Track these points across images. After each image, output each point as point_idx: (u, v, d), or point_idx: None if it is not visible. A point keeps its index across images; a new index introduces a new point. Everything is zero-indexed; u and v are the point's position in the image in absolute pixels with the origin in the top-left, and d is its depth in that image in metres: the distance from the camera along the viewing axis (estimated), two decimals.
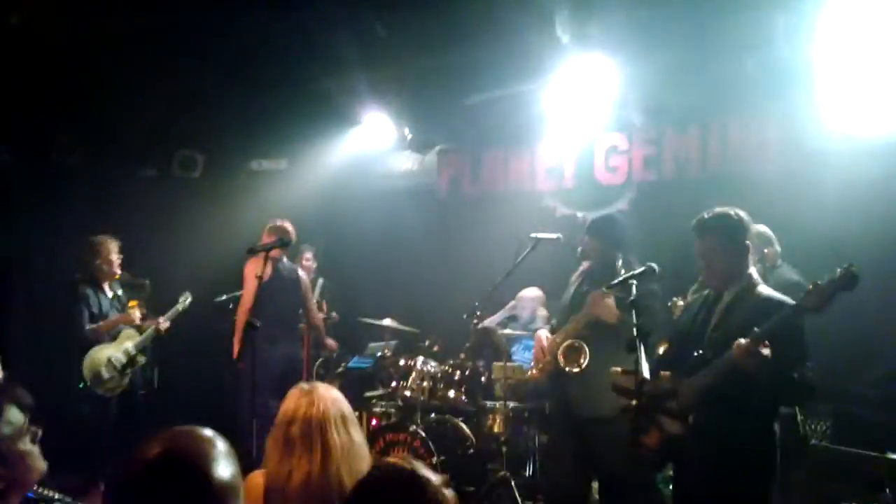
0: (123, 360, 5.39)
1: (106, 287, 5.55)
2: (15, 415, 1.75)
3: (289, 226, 5.38)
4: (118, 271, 5.58)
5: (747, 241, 2.97)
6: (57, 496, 3.50)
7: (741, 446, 2.76)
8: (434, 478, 1.42)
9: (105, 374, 5.33)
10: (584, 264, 4.27)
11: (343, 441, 2.39)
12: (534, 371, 4.30)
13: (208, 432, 1.26)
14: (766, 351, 2.60)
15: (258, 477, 2.41)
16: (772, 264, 4.13)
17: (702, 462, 2.80)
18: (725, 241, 2.95)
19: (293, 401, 2.43)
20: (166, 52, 5.52)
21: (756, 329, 2.63)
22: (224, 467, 1.19)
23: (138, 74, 5.77)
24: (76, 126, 6.41)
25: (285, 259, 5.64)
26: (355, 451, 2.41)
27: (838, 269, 2.58)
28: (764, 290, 2.94)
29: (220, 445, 1.23)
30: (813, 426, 4.58)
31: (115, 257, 5.50)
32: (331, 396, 2.47)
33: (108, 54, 5.51)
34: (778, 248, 4.31)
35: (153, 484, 1.14)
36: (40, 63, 5.48)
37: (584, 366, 3.94)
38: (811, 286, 2.63)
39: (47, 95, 5.89)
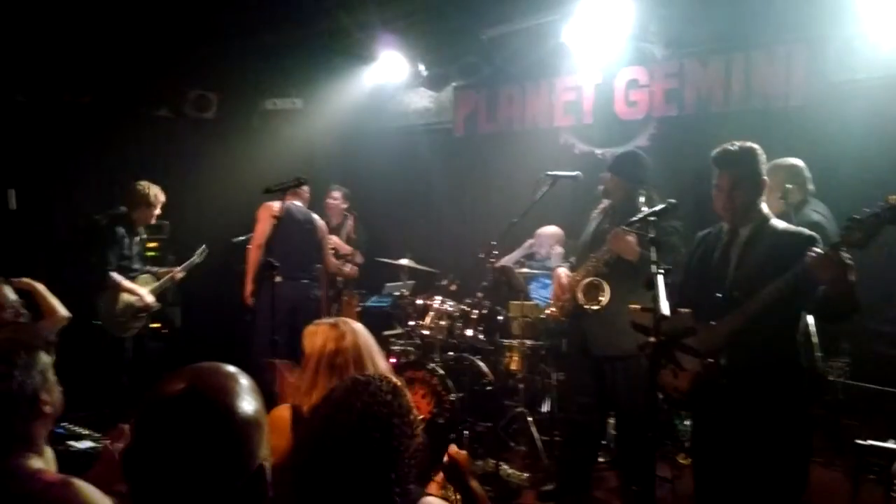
0: (138, 304, 5.47)
1: (140, 231, 5.65)
2: (44, 357, 1.79)
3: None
4: (154, 220, 5.68)
5: (764, 178, 2.93)
6: (85, 432, 3.60)
7: (773, 383, 2.75)
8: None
9: (121, 316, 5.43)
10: (605, 202, 4.22)
11: (385, 368, 2.46)
12: (552, 309, 4.30)
13: (231, 368, 1.26)
14: (846, 255, 2.53)
15: (283, 410, 2.44)
16: (796, 201, 4.01)
17: (731, 401, 2.79)
18: (745, 176, 2.90)
19: (323, 335, 2.45)
20: None
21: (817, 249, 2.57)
22: (248, 402, 1.20)
23: (150, 13, 5.66)
24: (88, 67, 6.34)
25: (298, 202, 5.67)
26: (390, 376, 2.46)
27: (881, 203, 2.49)
28: (778, 223, 2.93)
29: (244, 381, 1.24)
30: (831, 363, 4.57)
31: (159, 207, 5.58)
32: (362, 327, 2.53)
33: None
34: (810, 186, 4.19)
35: (178, 419, 1.15)
36: (52, 5, 5.40)
37: (603, 303, 3.94)
38: (850, 221, 2.54)
39: (59, 37, 5.82)
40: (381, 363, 2.49)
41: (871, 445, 2.85)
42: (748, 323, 2.74)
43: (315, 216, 5.81)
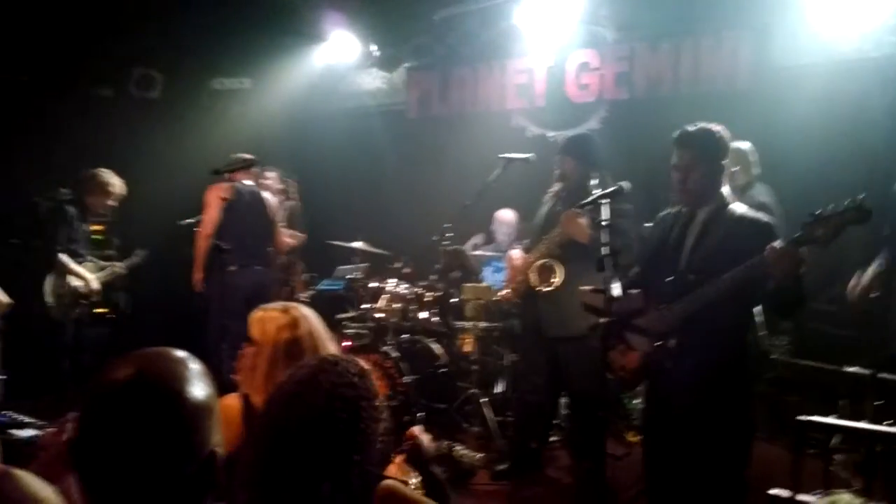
0: (83, 290, 5.38)
1: (89, 217, 5.58)
2: None
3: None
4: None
5: (724, 161, 2.93)
6: (28, 420, 3.50)
7: (720, 362, 2.78)
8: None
9: (65, 298, 5.33)
10: (556, 184, 4.25)
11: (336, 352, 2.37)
12: (506, 291, 4.32)
13: (180, 353, 1.22)
14: (803, 250, 2.54)
15: (233, 400, 2.38)
16: (741, 184, 4.10)
17: (679, 380, 2.84)
18: (705, 157, 2.89)
19: (275, 322, 2.35)
20: None
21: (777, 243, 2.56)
22: (198, 387, 1.17)
23: None
24: (26, 44, 6.08)
25: (248, 181, 5.53)
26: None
27: (847, 201, 2.46)
28: (738, 208, 2.92)
29: (193, 365, 1.21)
30: (774, 341, 4.71)
31: (114, 199, 5.55)
32: (312, 313, 2.44)
33: None
34: (756, 169, 4.28)
35: (126, 406, 1.12)
36: None
37: (556, 285, 3.98)
38: (817, 214, 2.52)
39: None
40: (333, 349, 2.44)
41: (812, 421, 2.94)
42: (702, 308, 2.75)
43: (266, 194, 5.69)
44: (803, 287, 2.64)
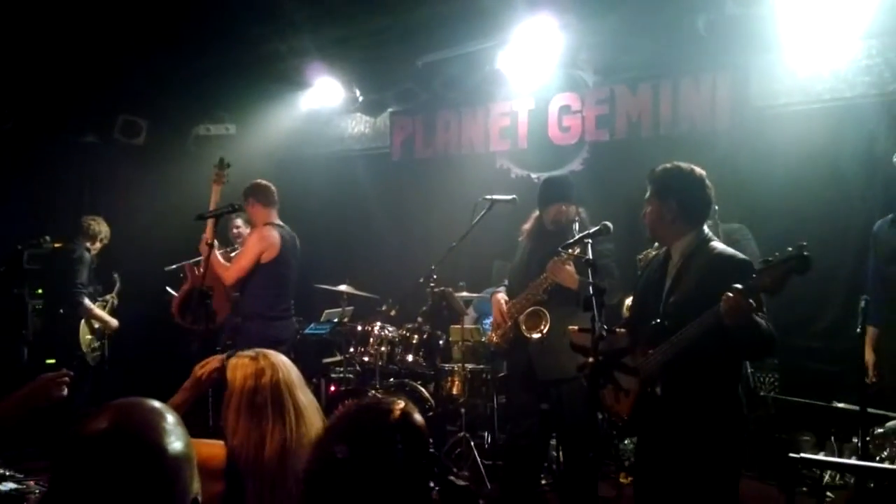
0: (106, 331, 5.82)
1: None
2: None
3: (265, 183, 5.11)
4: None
5: (687, 198, 2.86)
6: (8, 473, 3.41)
7: (707, 408, 2.75)
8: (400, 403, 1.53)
9: (94, 342, 5.71)
10: (527, 224, 4.29)
11: (308, 401, 2.37)
12: (493, 336, 4.31)
13: (157, 404, 1.20)
14: (752, 301, 2.48)
15: (217, 450, 2.30)
16: None
17: (669, 430, 2.80)
18: (661, 194, 2.89)
19: (243, 370, 2.34)
20: (106, 12, 5.28)
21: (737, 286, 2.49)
22: (176, 438, 1.15)
23: (76, 36, 5.51)
24: (11, 92, 6.11)
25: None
26: (314, 410, 2.39)
27: (790, 249, 2.46)
28: (716, 246, 2.87)
29: (170, 417, 1.18)
30: (762, 378, 4.72)
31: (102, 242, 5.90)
32: (285, 360, 2.42)
33: (44, 15, 5.25)
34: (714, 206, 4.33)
35: (102, 459, 1.09)
36: None
37: (545, 332, 3.97)
38: (763, 263, 2.51)
39: None
40: (303, 398, 2.38)
41: (803, 458, 2.92)
42: (680, 355, 2.69)
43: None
44: (762, 331, 2.58)
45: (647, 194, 2.95)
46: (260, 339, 4.09)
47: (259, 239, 4.78)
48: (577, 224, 3.90)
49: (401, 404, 1.66)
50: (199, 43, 5.73)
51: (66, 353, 5.56)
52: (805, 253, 2.43)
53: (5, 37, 5.37)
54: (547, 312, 3.97)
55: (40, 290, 6.04)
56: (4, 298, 5.88)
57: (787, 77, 5.08)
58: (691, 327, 2.63)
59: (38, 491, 4.11)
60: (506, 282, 4.42)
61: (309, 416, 2.33)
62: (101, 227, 5.87)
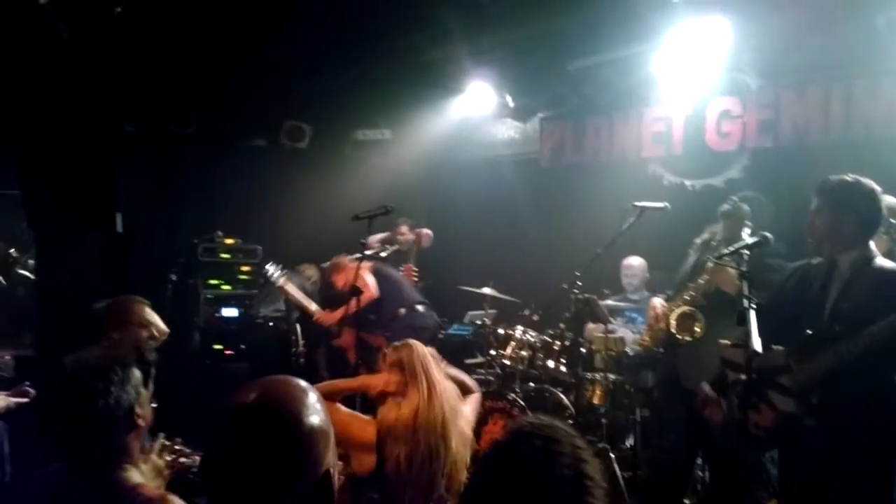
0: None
1: None
2: (136, 373, 1.88)
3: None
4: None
5: (855, 213, 2.82)
6: (177, 447, 3.74)
7: (865, 423, 2.62)
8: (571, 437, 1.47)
9: None
10: (705, 234, 4.15)
11: (442, 379, 2.84)
12: (645, 338, 4.21)
13: (301, 382, 1.31)
14: None
15: (369, 427, 2.78)
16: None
17: (819, 441, 2.66)
18: (833, 205, 2.86)
19: (390, 356, 2.90)
20: (275, 24, 5.67)
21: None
22: (314, 411, 1.25)
23: (249, 47, 5.95)
24: (193, 99, 6.70)
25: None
26: (451, 388, 2.85)
27: None
28: (884, 262, 2.82)
29: (312, 395, 1.29)
30: None
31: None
32: (419, 344, 2.95)
33: (220, 28, 5.72)
34: None
35: (246, 426, 1.21)
36: (159, 39, 5.75)
37: (697, 335, 3.83)
38: None
39: (167, 70, 6.18)
40: (447, 378, 2.93)
41: None
42: (845, 363, 2.61)
43: None
44: None
45: (819, 204, 2.90)
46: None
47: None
48: (748, 233, 3.74)
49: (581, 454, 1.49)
50: (359, 50, 6.01)
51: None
52: None
53: (188, 48, 5.90)
54: (701, 315, 3.83)
55: (215, 281, 6.56)
56: (181, 288, 6.44)
57: None
58: (863, 336, 2.58)
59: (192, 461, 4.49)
60: (668, 292, 4.31)
61: (442, 391, 2.78)
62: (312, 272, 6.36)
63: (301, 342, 6.09)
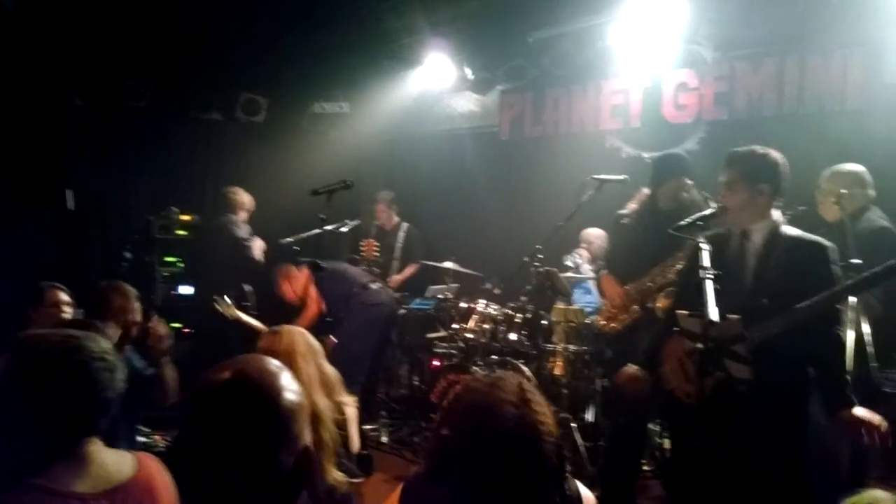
0: None
1: None
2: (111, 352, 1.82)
3: None
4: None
5: (769, 184, 2.93)
6: (136, 426, 3.68)
7: (789, 394, 2.80)
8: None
9: None
10: (631, 205, 4.21)
11: (311, 370, 2.73)
12: (612, 323, 4.24)
13: (275, 361, 1.31)
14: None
15: None
16: (856, 207, 3.88)
17: (749, 411, 2.81)
18: (748, 178, 2.95)
19: (263, 342, 2.79)
20: None
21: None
22: (289, 392, 1.25)
23: (203, 20, 5.80)
24: (145, 72, 6.52)
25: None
26: (326, 379, 2.79)
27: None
28: (789, 230, 2.96)
29: (286, 374, 1.29)
30: (887, 374, 4.42)
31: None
32: (296, 330, 2.83)
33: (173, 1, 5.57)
34: (870, 191, 4.05)
35: (224, 405, 1.20)
36: (111, 11, 5.57)
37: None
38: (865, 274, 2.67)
39: (118, 43, 6.00)
40: (325, 364, 2.83)
41: None
42: (777, 335, 2.74)
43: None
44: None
45: (732, 176, 2.99)
46: None
47: None
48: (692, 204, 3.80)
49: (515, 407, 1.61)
50: (316, 21, 5.90)
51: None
52: None
53: (140, 21, 5.73)
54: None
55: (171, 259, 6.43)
56: (136, 265, 6.31)
57: None
58: (799, 310, 2.71)
59: (163, 445, 4.44)
60: (600, 262, 4.37)
61: (310, 384, 2.66)
62: (244, 197, 6.15)
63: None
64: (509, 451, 1.54)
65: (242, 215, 6.17)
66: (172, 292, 6.39)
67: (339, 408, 2.83)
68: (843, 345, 2.85)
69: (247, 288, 5.93)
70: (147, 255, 6.35)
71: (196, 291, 6.30)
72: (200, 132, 7.24)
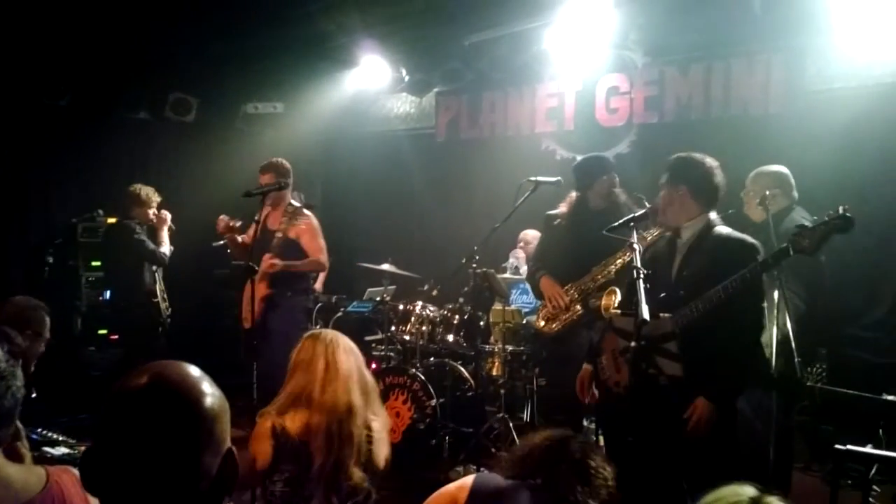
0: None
1: None
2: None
3: (283, 162, 5.12)
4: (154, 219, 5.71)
5: (687, 185, 3.08)
6: (61, 438, 3.53)
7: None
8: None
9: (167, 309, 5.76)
10: (561, 207, 4.30)
11: (350, 366, 2.77)
12: (553, 324, 4.28)
13: (192, 366, 1.28)
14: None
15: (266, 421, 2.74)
16: (780, 207, 4.03)
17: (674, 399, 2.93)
18: (669, 180, 3.13)
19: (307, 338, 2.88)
20: None
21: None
22: (209, 395, 1.22)
23: (131, 15, 5.61)
24: (66, 69, 6.26)
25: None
26: (365, 384, 2.81)
27: (830, 212, 2.71)
28: (722, 229, 3.09)
29: (205, 378, 1.26)
30: (810, 368, 4.61)
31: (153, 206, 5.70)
32: (340, 333, 2.90)
33: None
34: (794, 192, 4.21)
35: (142, 411, 1.16)
36: (30, 7, 5.33)
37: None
38: (800, 228, 2.80)
39: (37, 38, 5.74)
40: (365, 371, 2.89)
41: (849, 450, 2.85)
42: (686, 327, 2.91)
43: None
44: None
45: (661, 179, 3.19)
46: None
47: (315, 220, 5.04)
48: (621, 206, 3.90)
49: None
50: (249, 21, 5.78)
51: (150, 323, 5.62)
52: (847, 214, 2.69)
53: (62, 14, 5.50)
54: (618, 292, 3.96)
55: (97, 263, 6.18)
56: (60, 270, 6.07)
57: (844, 60, 4.91)
58: (708, 297, 2.87)
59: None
60: (530, 264, 4.44)
61: (348, 375, 2.74)
62: (149, 193, 5.71)
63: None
64: None
65: (137, 211, 5.69)
66: (99, 298, 6.17)
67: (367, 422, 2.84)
68: (742, 345, 2.97)
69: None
70: (71, 260, 6.13)
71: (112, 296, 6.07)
72: (127, 132, 6.99)
